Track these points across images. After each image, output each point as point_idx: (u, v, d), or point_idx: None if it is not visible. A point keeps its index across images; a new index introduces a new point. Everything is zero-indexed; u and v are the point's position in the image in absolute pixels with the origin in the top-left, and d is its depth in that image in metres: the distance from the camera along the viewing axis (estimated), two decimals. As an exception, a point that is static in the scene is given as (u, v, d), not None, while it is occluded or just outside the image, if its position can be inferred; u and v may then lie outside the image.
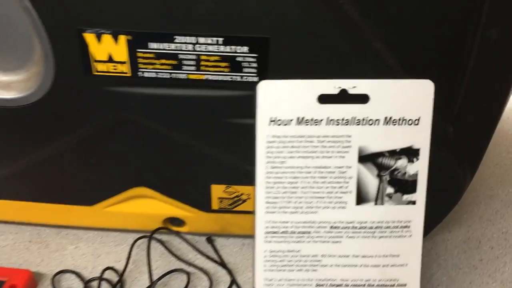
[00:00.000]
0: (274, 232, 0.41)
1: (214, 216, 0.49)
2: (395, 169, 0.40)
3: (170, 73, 0.38)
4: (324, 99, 0.38)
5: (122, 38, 0.36)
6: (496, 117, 0.42)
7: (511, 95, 0.43)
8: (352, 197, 0.40)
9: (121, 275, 0.48)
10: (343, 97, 0.38)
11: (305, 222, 0.40)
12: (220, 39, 0.36)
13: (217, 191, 0.47)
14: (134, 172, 0.46)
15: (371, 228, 0.41)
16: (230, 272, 0.50)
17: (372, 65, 0.38)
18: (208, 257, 0.50)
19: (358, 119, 0.39)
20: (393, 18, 0.35)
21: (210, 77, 0.38)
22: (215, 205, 0.48)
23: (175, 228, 0.52)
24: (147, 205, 0.50)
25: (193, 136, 0.42)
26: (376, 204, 0.40)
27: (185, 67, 0.38)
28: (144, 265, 0.50)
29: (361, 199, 0.40)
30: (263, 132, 0.39)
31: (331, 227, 0.41)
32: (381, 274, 0.41)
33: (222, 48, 0.36)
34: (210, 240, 0.54)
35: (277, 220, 0.40)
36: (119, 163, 0.45)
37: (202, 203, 0.48)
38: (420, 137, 0.39)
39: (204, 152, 0.43)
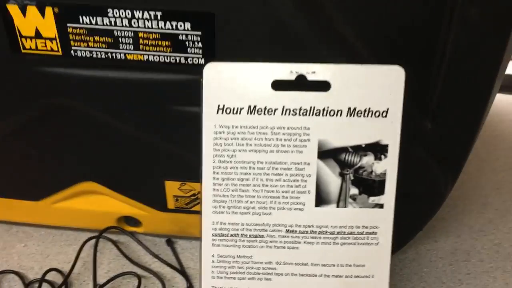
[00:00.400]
0: (223, 235, 0.36)
1: (171, 216, 0.45)
2: (360, 167, 0.35)
3: (106, 52, 0.34)
4: (279, 85, 0.34)
5: (49, 11, 0.32)
6: (481, 113, 0.37)
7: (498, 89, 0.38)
8: (311, 197, 0.35)
9: (66, 277, 0.44)
10: (300, 84, 0.33)
11: (258, 225, 0.36)
12: (159, 14, 0.32)
13: (172, 188, 0.43)
14: (80, 165, 0.41)
15: (332, 233, 0.36)
16: (187, 278, 0.45)
17: (335, 49, 0.34)
18: (162, 261, 0.46)
19: (318, 109, 0.34)
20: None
21: (151, 58, 0.34)
22: (170, 204, 0.44)
23: (130, 228, 0.48)
24: (99, 202, 0.46)
25: (136, 125, 0.37)
26: (338, 206, 0.35)
27: (122, 46, 0.33)
28: (97, 266, 0.46)
29: (321, 200, 0.35)
30: (210, 122, 0.34)
31: (287, 231, 0.36)
32: (343, 285, 0.36)
33: (161, 24, 0.32)
34: (170, 242, 0.49)
35: (226, 221, 0.36)
36: (62, 155, 0.41)
37: (156, 201, 0.44)
38: (389, 132, 0.34)
39: (153, 144, 0.39)
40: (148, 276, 0.45)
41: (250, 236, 0.36)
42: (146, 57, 0.34)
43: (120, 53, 0.34)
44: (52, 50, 0.34)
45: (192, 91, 0.34)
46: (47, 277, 0.44)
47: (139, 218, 0.46)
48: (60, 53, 0.34)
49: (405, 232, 0.42)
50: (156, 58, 0.34)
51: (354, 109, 0.34)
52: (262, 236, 0.36)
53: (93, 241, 0.48)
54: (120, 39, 0.33)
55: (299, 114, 0.34)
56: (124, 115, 0.37)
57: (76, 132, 0.39)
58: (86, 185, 0.44)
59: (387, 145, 0.34)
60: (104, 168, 0.42)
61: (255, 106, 0.34)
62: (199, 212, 0.39)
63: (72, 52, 0.34)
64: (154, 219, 0.46)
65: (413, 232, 0.43)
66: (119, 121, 0.37)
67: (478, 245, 0.49)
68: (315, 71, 0.33)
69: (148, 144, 0.39)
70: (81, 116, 0.37)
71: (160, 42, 0.33)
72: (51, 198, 0.45)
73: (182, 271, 0.46)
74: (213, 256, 0.36)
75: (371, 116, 0.34)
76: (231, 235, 0.36)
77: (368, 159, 0.35)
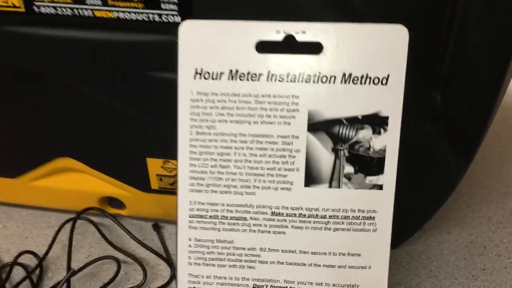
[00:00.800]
0: (201, 216, 0.32)
1: (156, 197, 0.41)
2: (356, 142, 0.30)
3: (72, 8, 0.30)
4: (264, 47, 0.29)
5: (5, -42, 0.28)
6: (499, 84, 0.32)
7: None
8: (300, 176, 0.31)
9: (40, 260, 0.40)
10: (289, 46, 0.29)
11: (240, 205, 0.32)
12: (126, -38, 0.27)
13: (154, 166, 0.39)
14: (54, 139, 0.38)
15: (323, 217, 0.31)
16: (171, 265, 0.41)
17: (329, 4, 0.29)
18: (146, 246, 0.42)
19: (308, 75, 0.29)
20: None
21: (121, 15, 0.30)
22: (154, 184, 0.40)
23: (114, 211, 0.44)
24: (78, 181, 0.42)
25: (110, 94, 0.33)
26: (330, 186, 0.31)
27: (89, 0, 0.29)
28: (77, 250, 0.43)
29: (311, 179, 0.31)
30: (186, 88, 0.30)
31: (273, 213, 0.31)
32: (336, 277, 0.32)
33: (129, -26, 0.28)
34: (156, 227, 0.45)
35: (204, 201, 0.32)
36: (34, 127, 0.37)
37: (139, 181, 0.40)
38: (390, 102, 0.29)
39: (130, 116, 0.35)
40: (131, 262, 0.42)
41: (231, 218, 0.32)
42: (116, 14, 0.30)
43: (87, 9, 0.30)
44: (14, 6, 0.30)
45: (168, 54, 0.30)
46: (23, 260, 0.41)
47: (122, 199, 0.43)
48: (22, 9, 0.30)
49: (410, 221, 0.38)
50: (127, 16, 0.30)
51: (350, 75, 0.29)
52: (245, 219, 0.32)
53: (76, 223, 0.44)
54: (85, -8, 0.29)
55: (287, 81, 0.30)
56: (95, 82, 0.33)
57: (47, 102, 0.35)
58: (63, 162, 0.41)
59: (387, 117, 0.30)
60: (80, 143, 0.38)
61: (237, 71, 0.30)
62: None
63: (35, 8, 0.30)
64: (138, 201, 0.42)
65: (419, 221, 0.39)
66: (91, 89, 0.34)
67: (496, 238, 0.44)
68: (305, 30, 0.29)
69: (125, 115, 0.35)
70: (51, 84, 0.34)
71: (130, -4, 0.29)
72: (28, 175, 0.42)
73: (167, 259, 0.42)
74: (190, 240, 0.33)
75: (369, 83, 0.29)
76: (210, 217, 0.32)
77: (365, 133, 0.30)
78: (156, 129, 0.36)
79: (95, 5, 0.30)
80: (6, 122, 0.38)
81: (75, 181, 0.42)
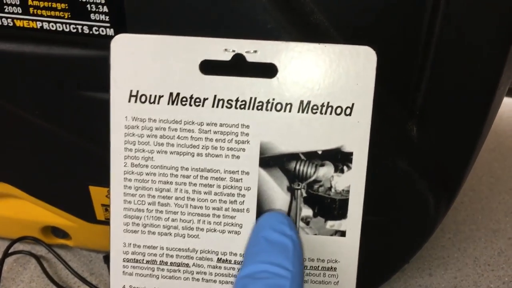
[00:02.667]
0: (137, 261, 0.27)
1: (102, 228, 0.37)
2: (316, 181, 0.26)
3: (-12, 16, 0.25)
4: (210, 67, 0.25)
5: None
6: (483, 115, 0.27)
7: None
8: (251, 218, 0.27)
9: (-32, 297, 0.36)
10: (238, 67, 0.25)
11: (182, 250, 0.27)
12: (46, -35, 0.23)
13: (98, 195, 0.34)
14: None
15: (277, 266, 0.26)
16: (117, 305, 0.36)
17: (286, 20, 0.24)
18: (88, 284, 0.37)
19: (260, 102, 0.25)
20: None
21: (46, 25, 0.26)
22: (99, 214, 0.35)
23: (59, 241, 0.39)
24: (18, 209, 0.38)
25: (40, 115, 0.29)
26: (285, 231, 0.26)
27: (8, 8, 0.25)
28: (16, 285, 0.38)
29: (263, 222, 0.26)
30: (120, 112, 0.26)
31: (219, 260, 0.27)
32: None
33: (51, -21, 0.24)
34: (108, 259, 0.40)
35: (140, 243, 0.27)
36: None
37: (83, 210, 0.36)
38: (354, 135, 0.25)
39: (67, 140, 0.30)
40: (73, 300, 0.37)
41: (171, 264, 0.27)
42: (39, 24, 0.26)
43: (6, 17, 0.26)
44: None
45: (102, 72, 0.25)
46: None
47: (66, 229, 0.38)
48: None
49: (384, 265, 0.33)
50: (52, 26, 0.26)
51: (308, 103, 0.25)
52: (187, 265, 0.27)
53: (17, 255, 0.40)
54: (3, -1, 0.25)
55: (236, 107, 0.25)
56: (23, 101, 0.28)
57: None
58: (1, 187, 0.36)
59: (351, 153, 0.25)
60: (17, 167, 0.34)
61: (178, 94, 0.26)
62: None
63: None
64: (84, 232, 0.38)
65: (395, 266, 0.34)
66: (20, 109, 0.29)
67: (483, 283, 0.39)
68: (257, 49, 0.25)
69: (62, 139, 0.31)
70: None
71: (54, 5, 0.25)
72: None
73: (112, 297, 0.37)
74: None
75: (331, 113, 0.25)
76: (147, 262, 0.28)
77: (326, 171, 0.26)
78: (97, 155, 0.31)
79: (14, 13, 0.25)
80: None
81: (15, 208, 0.38)
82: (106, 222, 0.37)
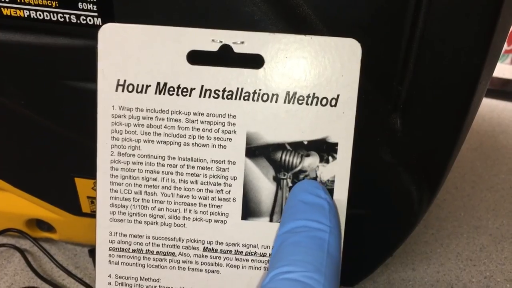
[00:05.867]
0: (123, 250, 0.27)
1: (88, 221, 0.37)
2: (301, 171, 0.26)
3: (-25, 4, 0.25)
4: (197, 58, 0.25)
5: None
6: (465, 108, 0.28)
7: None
8: (237, 207, 0.27)
9: (-48, 290, 0.35)
10: (225, 57, 0.25)
11: (168, 239, 0.27)
12: (35, -48, 0.23)
13: (84, 188, 0.34)
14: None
15: (263, 255, 0.27)
16: (102, 298, 0.36)
17: (273, 11, 0.25)
18: (74, 277, 0.37)
19: (247, 92, 0.25)
20: None
21: (33, 14, 0.26)
22: (85, 207, 0.35)
23: (44, 234, 0.39)
24: (2, 201, 0.37)
25: (27, 105, 0.29)
26: (271, 220, 0.27)
27: (-5, -3, 0.25)
28: (-1, 278, 0.38)
29: (249, 211, 0.27)
30: (107, 101, 0.26)
31: (205, 249, 0.27)
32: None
33: (40, -33, 0.24)
34: (93, 253, 0.40)
35: (126, 232, 0.27)
36: None
37: (69, 203, 0.36)
38: (339, 126, 0.25)
39: (52, 131, 0.30)
40: (58, 293, 0.37)
41: (157, 253, 0.28)
42: (26, 13, 0.26)
43: (-7, 6, 0.26)
44: None
45: (89, 62, 0.26)
46: None
47: (51, 222, 0.38)
48: None
49: (367, 259, 0.34)
50: (40, 15, 0.26)
51: (294, 94, 0.25)
52: (173, 254, 0.28)
53: (4, 249, 0.39)
54: (-10, -13, 0.25)
55: (223, 97, 0.26)
56: (9, 90, 0.28)
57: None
58: (-17, 179, 0.36)
59: (336, 144, 0.26)
60: (1, 159, 0.34)
61: (165, 84, 0.26)
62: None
63: None
64: (69, 225, 0.38)
65: (379, 259, 0.34)
66: (5, 98, 0.29)
67: (464, 277, 0.40)
68: (244, 40, 0.25)
69: (47, 130, 0.31)
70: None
71: (42, -7, 0.25)
72: None
73: (97, 290, 0.37)
74: (109, 276, 0.28)
75: (316, 104, 0.25)
76: (134, 251, 0.28)
77: (311, 161, 0.26)
78: (83, 147, 0.31)
79: (1, 1, 0.25)
80: None
81: (-1, 200, 0.38)
82: (92, 214, 0.37)
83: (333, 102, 0.26)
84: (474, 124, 0.62)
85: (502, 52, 0.78)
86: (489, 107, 0.69)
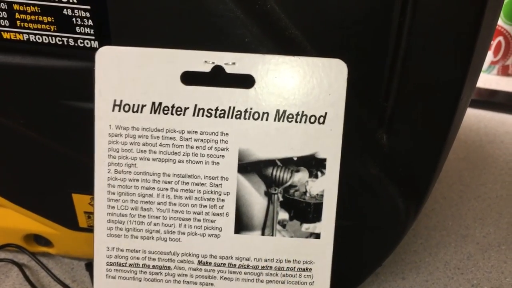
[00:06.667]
0: (120, 264, 0.28)
1: (85, 236, 0.37)
2: (291, 186, 0.27)
3: (-24, 29, 0.26)
4: (191, 78, 0.26)
5: None
6: (448, 123, 0.29)
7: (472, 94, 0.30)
8: (230, 222, 0.28)
9: (-49, 305, 0.36)
10: (217, 78, 0.26)
11: (163, 253, 0.28)
12: (34, -20, 0.24)
13: (81, 203, 0.35)
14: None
15: (255, 268, 0.28)
16: (100, 311, 0.37)
17: (263, 33, 0.26)
18: (69, 289, 0.38)
19: (239, 111, 0.26)
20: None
21: (32, 38, 0.27)
22: (82, 221, 0.36)
23: (42, 249, 0.40)
24: (1, 217, 0.38)
25: (26, 124, 0.30)
26: (263, 234, 0.28)
27: (-5, 22, 0.26)
28: (-3, 293, 0.38)
29: (242, 225, 0.28)
30: (104, 121, 0.27)
31: (200, 262, 0.28)
32: (269, 335, 0.28)
33: (39, -7, 0.25)
34: (90, 267, 0.41)
35: (123, 247, 0.28)
36: None
37: (66, 218, 0.37)
38: (327, 142, 0.27)
39: (50, 148, 0.31)
40: (55, 307, 0.38)
41: (153, 267, 0.29)
42: (26, 37, 0.27)
43: (-7, 30, 0.27)
44: None
45: (86, 83, 0.27)
46: None
47: (49, 237, 0.39)
48: None
49: (358, 269, 0.35)
50: (39, 38, 0.27)
51: (284, 112, 0.27)
52: (169, 268, 0.28)
53: (2, 264, 0.40)
54: (-9, 12, 0.26)
55: (216, 116, 0.27)
56: (8, 110, 0.29)
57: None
58: (-18, 196, 0.36)
59: (324, 159, 0.27)
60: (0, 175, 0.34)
61: (160, 104, 0.27)
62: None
63: None
64: (66, 239, 0.38)
65: (369, 268, 0.36)
66: (4, 118, 0.30)
67: (453, 285, 0.41)
68: (235, 62, 0.26)
69: (45, 148, 0.32)
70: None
71: (41, 18, 0.26)
72: None
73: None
74: (107, 290, 0.29)
75: (305, 121, 0.27)
76: (130, 265, 0.29)
77: (301, 176, 0.27)
78: (80, 163, 0.32)
79: (1, 26, 0.27)
80: None
81: (-3, 216, 0.38)
82: (89, 229, 0.38)
83: (321, 119, 0.27)
84: (462, 134, 0.64)
85: (488, 63, 0.80)
86: (477, 117, 0.70)
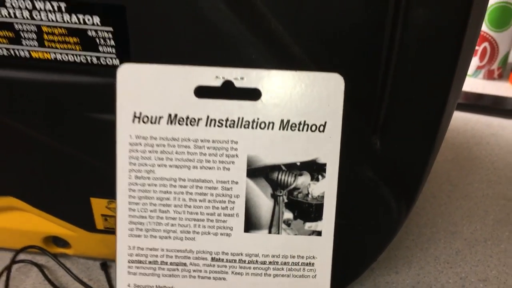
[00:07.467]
0: (140, 262, 0.31)
1: (101, 237, 0.40)
2: (295, 188, 0.30)
3: (8, 48, 0.29)
4: (203, 92, 0.29)
5: None
6: (436, 129, 0.32)
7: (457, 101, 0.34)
8: (240, 222, 0.31)
9: (-23, 303, 0.39)
10: (227, 91, 0.29)
11: (180, 251, 0.31)
12: (63, 5, 0.27)
13: (99, 206, 0.38)
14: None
15: (263, 263, 0.31)
16: (115, 308, 0.40)
17: (268, 51, 0.29)
18: (88, 287, 0.41)
19: (247, 121, 0.29)
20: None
21: (59, 57, 0.30)
22: (99, 224, 0.39)
23: (59, 250, 0.43)
24: (21, 220, 0.41)
25: (50, 134, 0.33)
26: (270, 232, 0.31)
27: (25, 42, 0.29)
28: (17, 293, 0.41)
29: (251, 225, 0.31)
30: (125, 131, 0.30)
31: (213, 259, 0.31)
32: (276, 323, 0.32)
33: (66, 17, 0.28)
34: (104, 266, 0.44)
35: (143, 246, 0.31)
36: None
37: (83, 221, 0.39)
38: (327, 149, 0.30)
39: (72, 156, 0.34)
40: (74, 304, 0.40)
41: (171, 263, 0.31)
42: (53, 56, 0.30)
43: (23, 49, 0.30)
44: None
45: (108, 96, 0.30)
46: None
47: (67, 239, 0.42)
48: (-43, 49, 0.30)
49: (354, 264, 0.38)
50: (65, 57, 0.30)
51: (288, 121, 0.30)
52: (185, 264, 0.31)
53: (19, 264, 0.43)
54: (22, 33, 0.29)
55: (226, 126, 0.30)
56: (35, 122, 0.32)
57: (-14, 141, 0.34)
58: (6, 201, 0.40)
59: (325, 164, 0.30)
60: (23, 182, 0.37)
61: (176, 115, 0.30)
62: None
63: (-30, 48, 0.30)
64: (83, 240, 0.41)
65: (364, 264, 0.39)
66: (31, 129, 0.33)
67: (442, 278, 0.44)
68: (243, 77, 0.29)
69: (67, 156, 0.34)
70: (-11, 123, 0.33)
71: (67, 39, 0.29)
72: (-32, 214, 0.40)
73: (111, 300, 0.41)
74: (129, 286, 0.32)
75: (307, 130, 0.30)
76: (150, 262, 0.31)
77: (303, 180, 0.30)
78: (99, 170, 0.35)
79: (31, 46, 0.29)
80: None
81: (18, 220, 0.41)
82: (105, 231, 0.41)
83: (321, 128, 0.30)
84: (450, 136, 0.67)
85: (475, 68, 0.84)
86: (463, 120, 0.74)
